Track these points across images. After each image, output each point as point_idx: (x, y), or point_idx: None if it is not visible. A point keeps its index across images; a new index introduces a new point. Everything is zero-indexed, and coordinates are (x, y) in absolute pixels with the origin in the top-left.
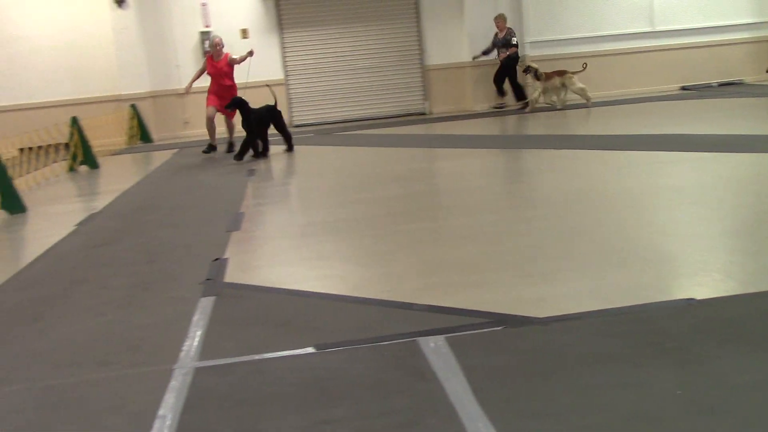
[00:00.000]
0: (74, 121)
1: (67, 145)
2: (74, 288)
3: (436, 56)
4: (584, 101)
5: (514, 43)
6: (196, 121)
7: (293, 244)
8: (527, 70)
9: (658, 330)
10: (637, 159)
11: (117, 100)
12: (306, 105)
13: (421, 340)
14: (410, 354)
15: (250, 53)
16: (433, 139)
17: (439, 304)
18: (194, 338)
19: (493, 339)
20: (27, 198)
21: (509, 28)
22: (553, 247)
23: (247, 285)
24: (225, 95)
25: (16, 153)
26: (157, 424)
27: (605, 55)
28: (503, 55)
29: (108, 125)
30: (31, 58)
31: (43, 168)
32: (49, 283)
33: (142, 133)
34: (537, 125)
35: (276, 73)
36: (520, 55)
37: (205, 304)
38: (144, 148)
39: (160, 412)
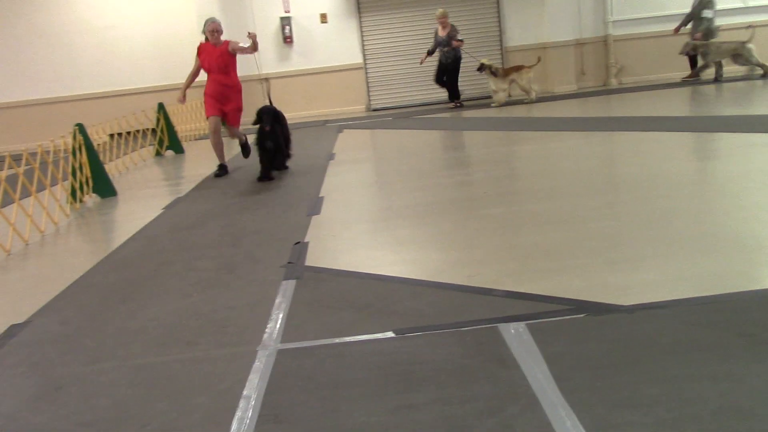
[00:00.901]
0: (161, 108)
1: (153, 131)
2: (162, 270)
3: (516, 37)
4: (527, 96)
5: (460, 38)
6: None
7: (372, 228)
8: (481, 68)
9: (750, 320)
10: (727, 141)
11: (201, 86)
12: (384, 89)
13: (502, 326)
14: (491, 340)
15: (251, 36)
16: (513, 122)
17: (519, 290)
18: (277, 320)
19: (576, 327)
20: (117, 182)
21: (452, 25)
22: (638, 232)
23: (328, 269)
24: (225, 96)
25: (107, 138)
26: (242, 404)
27: None
28: (457, 43)
29: (192, 111)
30: (121, 47)
31: (131, 153)
32: (138, 265)
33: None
34: (621, 106)
35: (355, 57)
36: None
37: (287, 286)
38: (226, 132)
39: (245, 392)
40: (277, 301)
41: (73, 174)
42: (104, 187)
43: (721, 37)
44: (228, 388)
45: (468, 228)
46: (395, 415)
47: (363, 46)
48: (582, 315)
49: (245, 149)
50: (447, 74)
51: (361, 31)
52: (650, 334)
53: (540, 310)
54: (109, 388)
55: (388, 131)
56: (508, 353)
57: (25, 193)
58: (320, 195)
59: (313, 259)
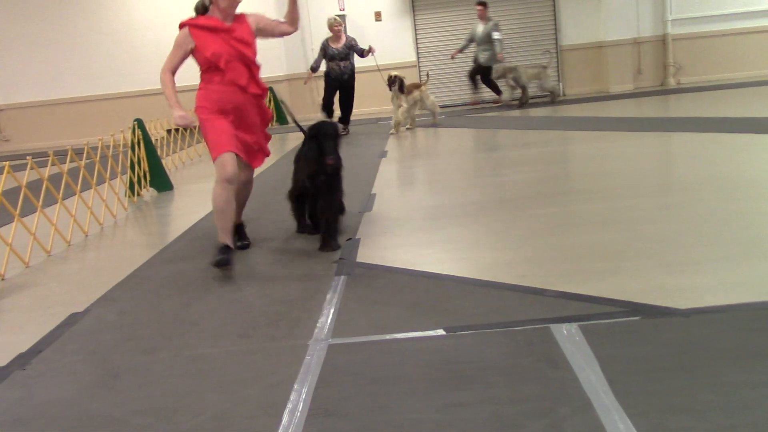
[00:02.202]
0: None
1: None
2: None
3: (572, 36)
4: (432, 117)
5: (368, 48)
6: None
7: (424, 226)
8: (393, 81)
9: None
10: None
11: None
12: (437, 87)
13: (554, 326)
14: (542, 340)
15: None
16: (567, 122)
17: (572, 291)
18: (328, 315)
19: (630, 329)
20: (173, 177)
21: (349, 36)
22: (695, 235)
23: (379, 265)
24: (249, 113)
25: (164, 134)
26: (293, 397)
27: (759, 32)
28: (369, 52)
29: None
30: None
31: (187, 148)
32: (193, 258)
33: (278, 115)
34: (678, 107)
35: (408, 56)
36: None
37: (339, 282)
38: (280, 129)
39: (296, 385)
40: (329, 296)
41: (132, 168)
42: (161, 182)
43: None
44: (279, 380)
45: (519, 227)
46: (444, 413)
47: (417, 44)
48: (636, 317)
49: (239, 232)
50: (342, 92)
51: (415, 30)
52: (707, 339)
53: (593, 312)
54: (163, 377)
55: (440, 129)
56: (560, 354)
57: (86, 186)
58: (372, 192)
59: (364, 256)
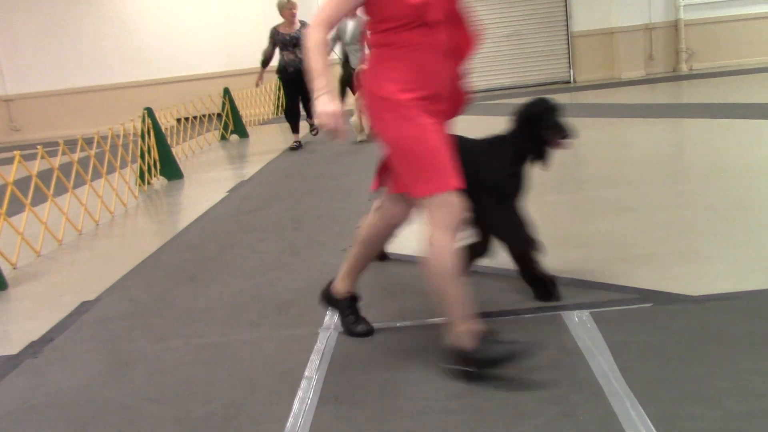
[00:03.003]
0: (226, 92)
1: (219, 116)
2: (226, 251)
3: (582, 22)
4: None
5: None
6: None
7: None
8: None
9: None
10: None
11: (269, 72)
12: None
13: (565, 314)
14: (554, 328)
15: None
16: (579, 108)
17: (583, 278)
18: None
19: (642, 316)
20: (183, 165)
21: (303, 21)
22: (708, 221)
23: (389, 253)
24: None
25: (174, 122)
26: (303, 385)
27: None
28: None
29: (257, 96)
30: (189, 33)
31: (197, 137)
32: (203, 246)
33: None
34: (691, 93)
35: None
36: None
37: None
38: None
39: (306, 373)
40: None
41: (142, 157)
42: (171, 170)
43: None
44: (290, 368)
45: (530, 215)
46: (456, 401)
47: None
48: (648, 305)
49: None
50: (303, 86)
51: None
52: (719, 326)
53: (605, 299)
54: (174, 365)
55: None
56: (572, 341)
57: (97, 175)
58: None
59: None
